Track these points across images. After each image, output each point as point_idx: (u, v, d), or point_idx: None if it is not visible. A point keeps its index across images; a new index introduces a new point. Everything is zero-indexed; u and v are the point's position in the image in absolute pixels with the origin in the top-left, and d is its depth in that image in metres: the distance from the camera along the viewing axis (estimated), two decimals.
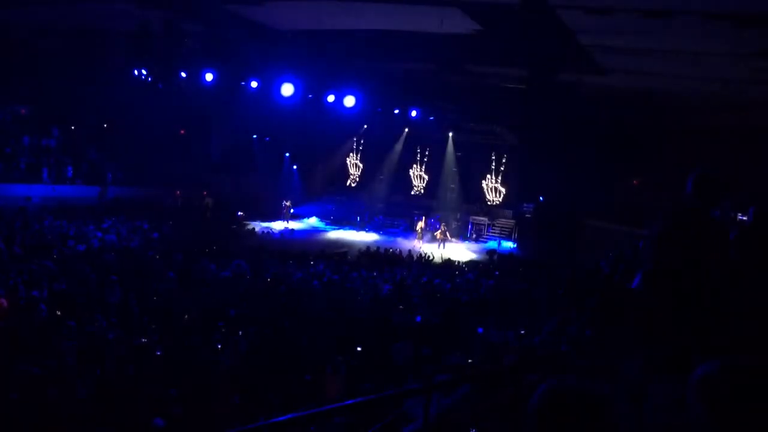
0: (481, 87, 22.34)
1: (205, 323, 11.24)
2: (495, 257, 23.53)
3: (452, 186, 30.92)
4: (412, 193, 32.27)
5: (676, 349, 3.76)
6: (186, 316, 11.59)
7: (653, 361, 3.91)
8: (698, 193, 3.85)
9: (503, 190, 29.89)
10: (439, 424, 4.77)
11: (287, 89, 19.02)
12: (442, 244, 26.07)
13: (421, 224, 27.67)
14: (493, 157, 29.82)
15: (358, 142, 33.18)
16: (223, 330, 10.76)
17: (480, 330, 11.05)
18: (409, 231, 28.94)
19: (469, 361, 8.43)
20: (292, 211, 29.99)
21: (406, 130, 30.49)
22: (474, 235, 28.96)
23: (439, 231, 26.78)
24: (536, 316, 11.42)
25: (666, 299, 3.85)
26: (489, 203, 30.18)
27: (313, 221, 30.95)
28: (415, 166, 32.12)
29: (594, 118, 20.88)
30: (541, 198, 25.69)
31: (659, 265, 3.98)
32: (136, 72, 20.38)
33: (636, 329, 4.12)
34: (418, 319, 12.23)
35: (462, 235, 28.93)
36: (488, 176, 30.17)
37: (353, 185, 33.78)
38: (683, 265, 3.81)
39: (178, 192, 28.56)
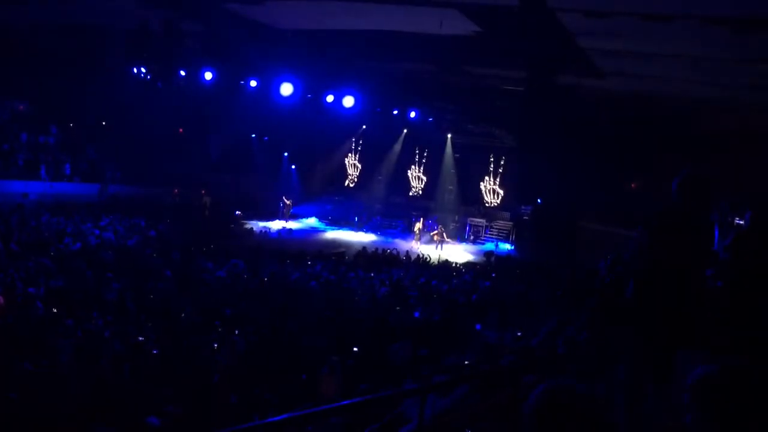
0: (480, 88, 22.36)
1: (202, 322, 11.23)
2: (492, 259, 23.53)
3: (450, 187, 30.93)
4: (411, 194, 32.27)
5: (664, 349, 3.76)
6: (183, 315, 11.57)
7: (644, 361, 3.92)
8: (683, 194, 3.85)
9: (501, 192, 29.92)
10: (435, 425, 4.76)
11: (286, 89, 19.00)
12: (439, 246, 26.08)
13: (418, 225, 27.67)
14: (492, 159, 29.86)
15: (356, 142, 33.15)
16: (220, 329, 10.75)
17: (478, 326, 11.06)
18: (407, 232, 28.93)
19: (466, 362, 8.42)
20: (290, 209, 30.01)
21: (405, 131, 30.48)
22: (471, 237, 28.96)
23: (436, 232, 26.80)
24: (534, 318, 11.42)
25: (650, 299, 3.85)
26: (487, 205, 30.21)
27: (312, 222, 30.94)
28: (413, 167, 32.11)
29: (593, 120, 20.88)
30: (539, 200, 25.69)
31: (644, 266, 3.98)
32: (135, 70, 20.37)
33: (628, 330, 4.12)
34: (416, 314, 12.23)
35: (459, 237, 28.94)
36: (486, 178, 30.20)
37: (351, 185, 33.76)
38: (667, 265, 3.81)
39: (176, 190, 28.55)
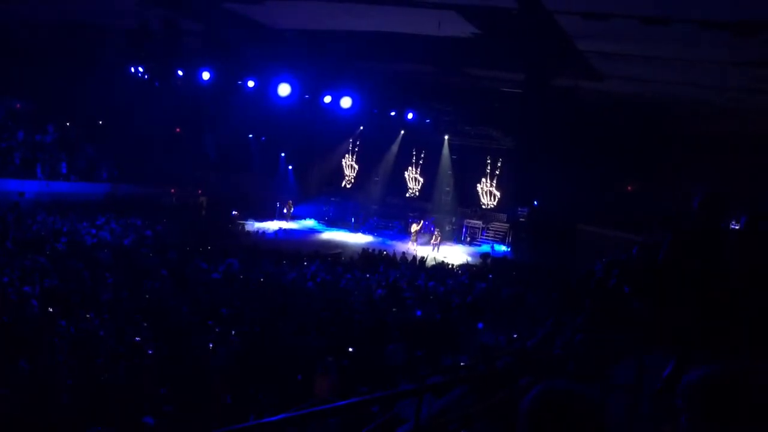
0: (478, 90, 22.36)
1: (198, 322, 11.20)
2: (489, 261, 23.53)
3: (447, 189, 30.95)
4: (407, 195, 32.27)
5: (674, 352, 3.77)
6: (178, 315, 11.53)
7: (646, 363, 3.93)
8: (705, 209, 3.95)
9: (498, 193, 29.94)
10: (431, 426, 4.76)
11: (284, 89, 18.97)
12: (436, 247, 26.10)
13: (415, 227, 27.68)
14: (489, 161, 29.88)
15: (354, 143, 33.15)
16: (217, 329, 10.72)
17: (480, 325, 11.08)
18: (404, 233, 28.93)
19: (462, 363, 8.41)
20: (292, 210, 30.06)
21: (402, 132, 30.51)
22: (468, 239, 28.99)
23: (433, 235, 26.82)
24: (530, 320, 11.43)
25: (668, 306, 3.88)
26: (484, 207, 30.23)
27: (309, 222, 30.93)
28: (410, 168, 32.11)
29: (591, 123, 20.93)
30: (535, 202, 25.72)
31: (665, 274, 4.03)
32: (132, 69, 20.33)
33: (630, 333, 4.14)
34: (419, 313, 12.24)
35: (456, 238, 28.97)
36: (483, 180, 30.22)
37: (348, 186, 33.75)
38: (687, 273, 3.86)
39: (173, 190, 28.52)
